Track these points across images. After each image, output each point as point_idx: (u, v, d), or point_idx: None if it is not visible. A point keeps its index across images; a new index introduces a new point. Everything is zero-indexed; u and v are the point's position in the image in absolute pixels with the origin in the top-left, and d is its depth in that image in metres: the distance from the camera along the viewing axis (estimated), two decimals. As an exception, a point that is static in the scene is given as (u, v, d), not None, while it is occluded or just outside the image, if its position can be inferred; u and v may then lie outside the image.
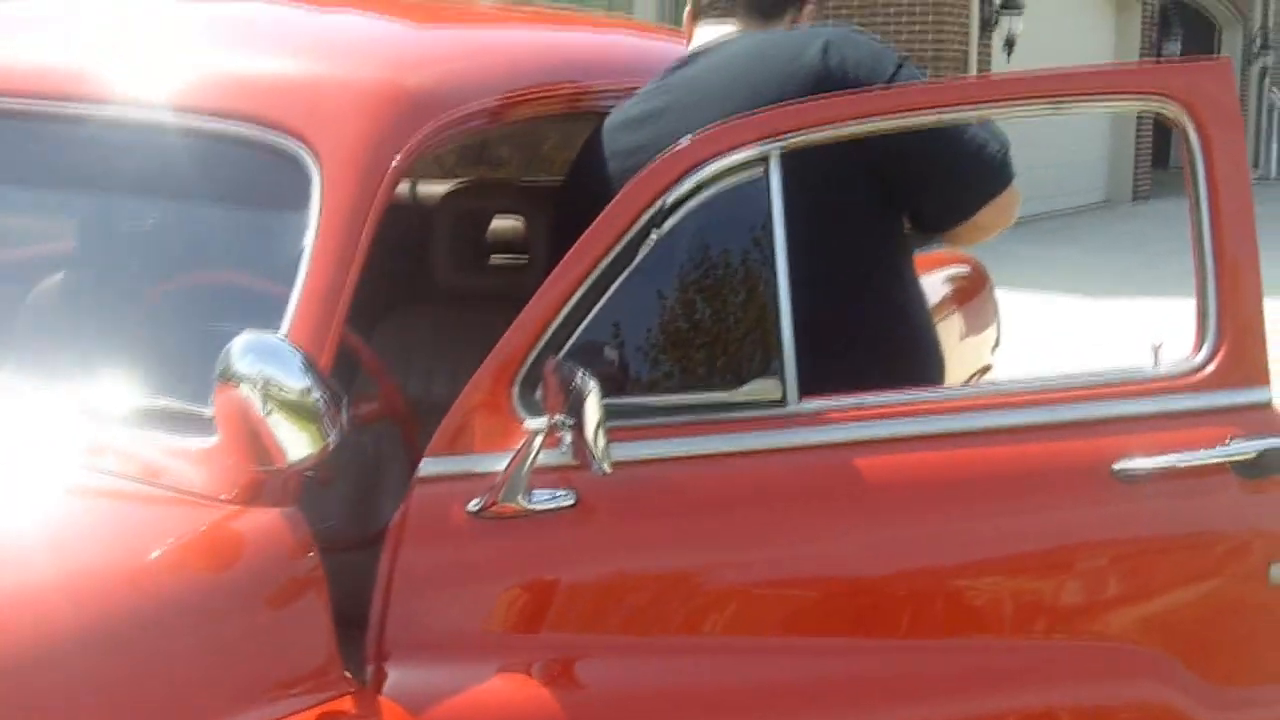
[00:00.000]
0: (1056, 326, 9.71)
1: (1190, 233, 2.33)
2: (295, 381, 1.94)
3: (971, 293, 4.62)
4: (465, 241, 3.47)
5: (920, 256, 3.57)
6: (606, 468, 1.99)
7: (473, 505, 2.10)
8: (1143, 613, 2.31)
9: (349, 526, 2.75)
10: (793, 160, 2.20)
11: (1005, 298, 5.03)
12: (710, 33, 2.67)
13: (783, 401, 2.19)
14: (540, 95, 2.65)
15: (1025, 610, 2.28)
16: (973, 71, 14.06)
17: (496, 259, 3.58)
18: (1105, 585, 2.31)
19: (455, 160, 3.74)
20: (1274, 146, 23.84)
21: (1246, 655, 2.39)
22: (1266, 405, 2.31)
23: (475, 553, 2.13)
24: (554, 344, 2.14)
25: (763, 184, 2.18)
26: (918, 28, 13.72)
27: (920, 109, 2.25)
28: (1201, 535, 2.34)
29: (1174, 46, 19.41)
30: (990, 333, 4.71)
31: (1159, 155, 19.83)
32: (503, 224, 3.52)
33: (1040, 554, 2.29)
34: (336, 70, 2.44)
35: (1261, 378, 2.30)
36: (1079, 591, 2.30)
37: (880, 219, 2.51)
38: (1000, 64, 14.64)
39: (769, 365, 2.20)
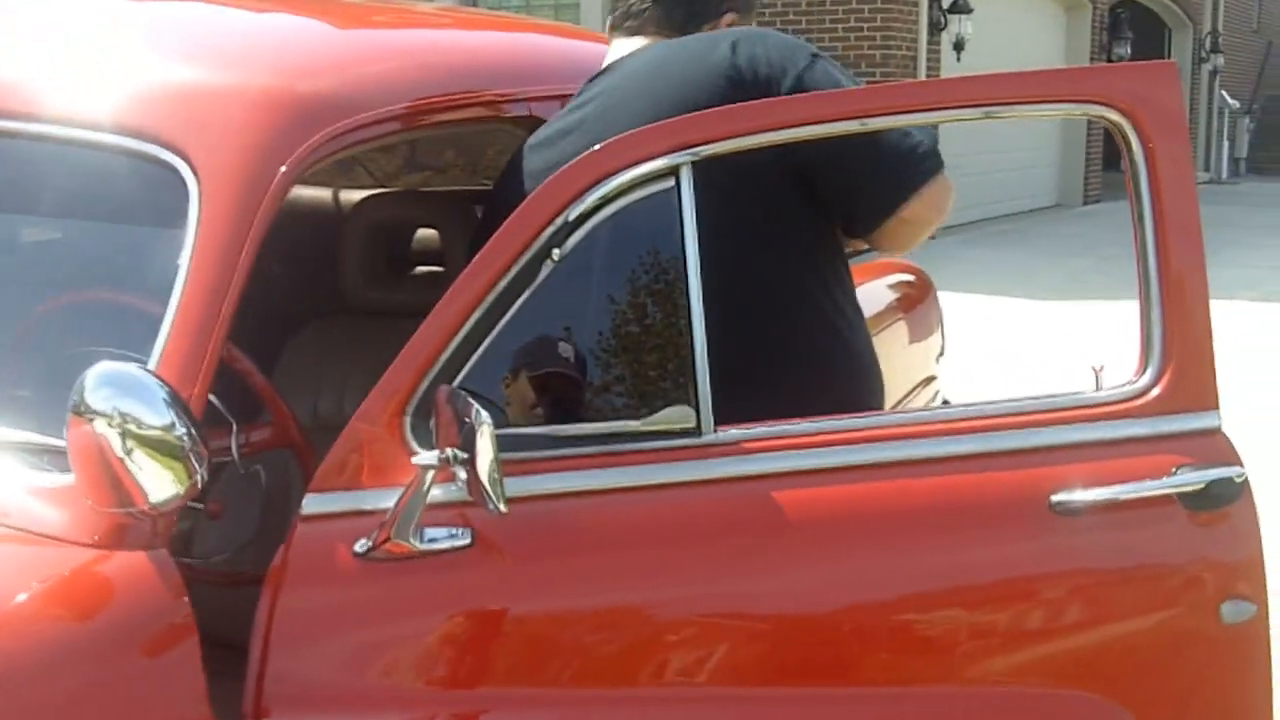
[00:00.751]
0: (1005, 330, 9.62)
1: (1134, 248, 2.19)
2: (157, 417, 1.77)
3: (915, 300, 4.48)
4: (383, 252, 3.32)
5: (861, 265, 3.44)
6: (502, 508, 1.83)
7: (360, 545, 1.94)
8: (1086, 656, 2.15)
9: (245, 560, 2.60)
10: (712, 169, 2.05)
11: (953, 301, 4.90)
12: (624, 46, 2.53)
13: (697, 430, 2.04)
14: (454, 102, 2.50)
15: (959, 655, 2.12)
16: (921, 74, 13.95)
17: (422, 270, 3.43)
18: (1045, 627, 2.14)
19: (399, 166, 3.60)
20: (1225, 149, 23.89)
21: (1198, 700, 2.23)
22: (1215, 431, 2.15)
23: (363, 597, 1.96)
24: (448, 371, 1.98)
25: (673, 197, 2.03)
26: (865, 30, 13.58)
27: (840, 117, 2.09)
28: (1147, 571, 2.17)
29: (1124, 49, 19.35)
30: (935, 340, 4.58)
31: (1110, 158, 19.81)
32: (429, 233, 3.38)
33: (974, 594, 2.13)
34: (218, 77, 2.27)
35: (1210, 401, 2.15)
36: (1017, 635, 2.14)
37: (809, 230, 2.35)
38: (950, 66, 14.54)
39: (682, 391, 2.04)
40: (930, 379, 4.44)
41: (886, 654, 2.10)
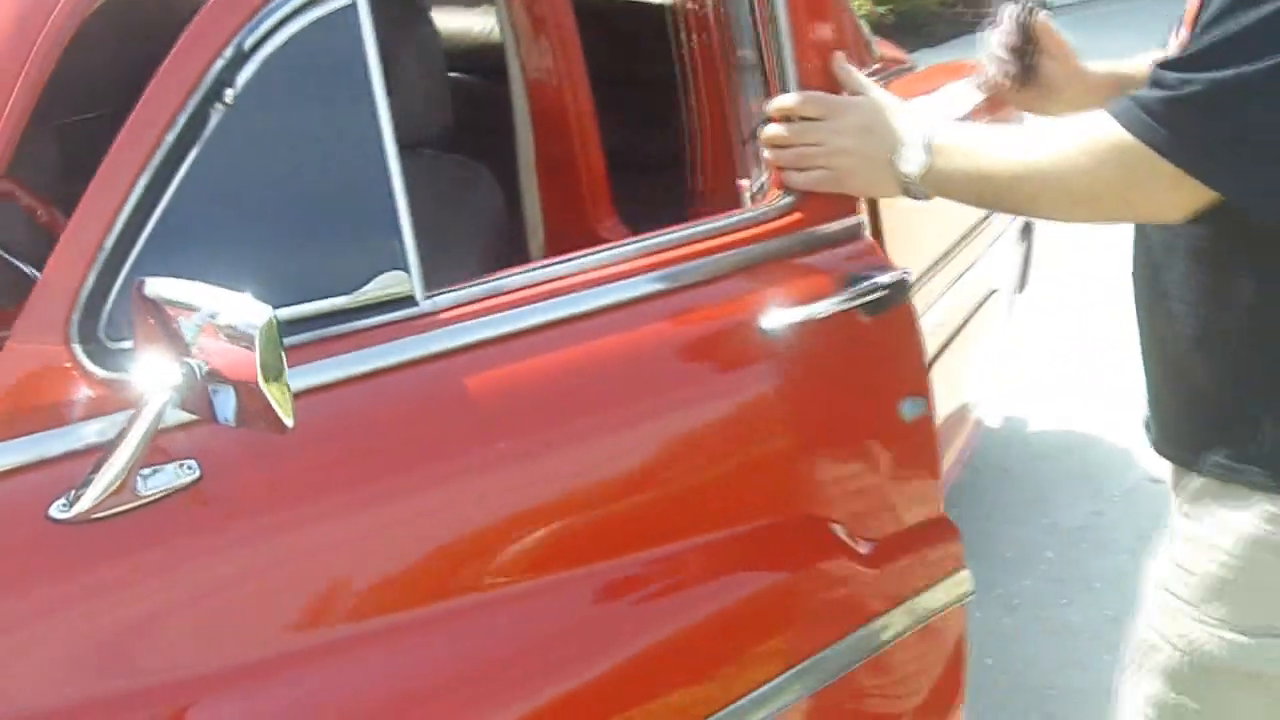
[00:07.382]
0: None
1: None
2: None
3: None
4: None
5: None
6: (289, 422, 1.40)
7: (59, 508, 1.42)
8: (800, 482, 2.04)
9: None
10: None
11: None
12: None
13: (413, 299, 1.69)
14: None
15: (686, 510, 1.92)
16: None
17: None
18: (760, 460, 2.00)
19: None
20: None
21: (893, 496, 2.14)
22: (859, 230, 2.10)
23: (76, 574, 1.45)
24: (114, 259, 1.50)
25: (351, 16, 1.64)
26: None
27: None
28: (836, 384, 2.08)
29: None
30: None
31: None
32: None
33: (694, 442, 1.95)
34: None
35: (846, 205, 2.08)
36: (733, 474, 1.99)
37: None
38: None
39: (391, 254, 1.68)
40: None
41: (616, 528, 1.85)
